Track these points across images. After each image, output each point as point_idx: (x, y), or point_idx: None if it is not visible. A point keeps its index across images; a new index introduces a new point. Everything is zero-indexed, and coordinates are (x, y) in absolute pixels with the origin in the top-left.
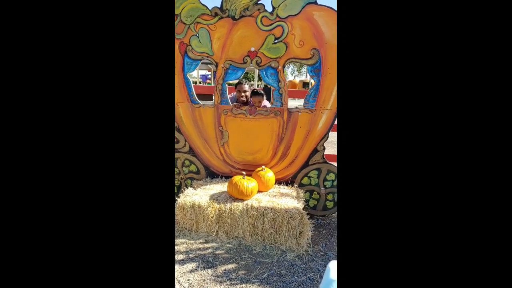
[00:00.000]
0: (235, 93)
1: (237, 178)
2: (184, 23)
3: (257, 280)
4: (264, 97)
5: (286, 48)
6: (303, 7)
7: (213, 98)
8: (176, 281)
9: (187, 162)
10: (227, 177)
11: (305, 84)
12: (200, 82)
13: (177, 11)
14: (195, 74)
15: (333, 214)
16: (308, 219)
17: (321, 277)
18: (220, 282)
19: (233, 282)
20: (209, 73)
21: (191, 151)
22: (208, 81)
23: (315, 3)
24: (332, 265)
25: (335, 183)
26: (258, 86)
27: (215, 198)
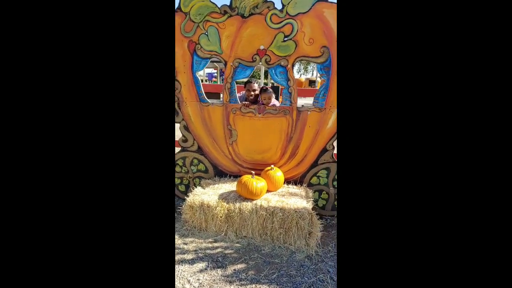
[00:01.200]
0: (244, 92)
1: (246, 178)
2: (193, 21)
3: (267, 281)
4: (273, 95)
5: (296, 46)
6: (313, 5)
7: (221, 97)
8: (186, 281)
9: (195, 161)
10: (236, 176)
11: (311, 82)
12: (206, 81)
13: (186, 10)
14: (201, 73)
15: None
16: (318, 219)
17: (331, 278)
18: (230, 282)
19: (243, 282)
20: (215, 71)
21: (200, 150)
22: (214, 79)
23: (325, 0)
24: None
25: None
26: (265, 85)
27: (224, 197)
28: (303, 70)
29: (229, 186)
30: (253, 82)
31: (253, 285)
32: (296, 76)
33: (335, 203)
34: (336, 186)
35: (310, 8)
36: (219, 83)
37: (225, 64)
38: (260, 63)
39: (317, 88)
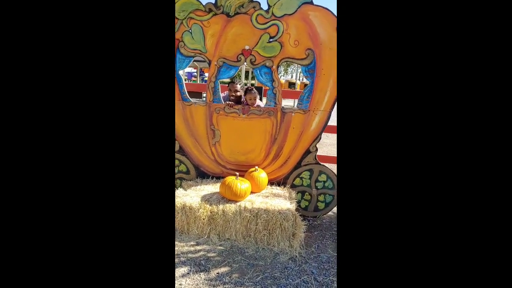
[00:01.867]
0: (228, 91)
1: (230, 179)
2: (176, 18)
3: (251, 284)
4: (258, 96)
5: (281, 47)
6: (299, 7)
7: (203, 96)
8: None
9: (176, 162)
10: (218, 177)
11: (290, 84)
12: (186, 80)
13: None
14: (181, 72)
15: (324, 215)
16: (301, 220)
17: (315, 279)
18: (214, 286)
19: (227, 286)
20: (195, 70)
21: (181, 151)
22: (193, 78)
23: (311, 3)
24: None
25: (326, 184)
26: (245, 85)
27: (207, 199)
28: (283, 72)
29: (212, 188)
30: (236, 82)
31: None
32: None
33: (317, 204)
34: (318, 187)
35: (296, 10)
36: (198, 82)
37: (209, 63)
38: (245, 63)
39: (297, 90)
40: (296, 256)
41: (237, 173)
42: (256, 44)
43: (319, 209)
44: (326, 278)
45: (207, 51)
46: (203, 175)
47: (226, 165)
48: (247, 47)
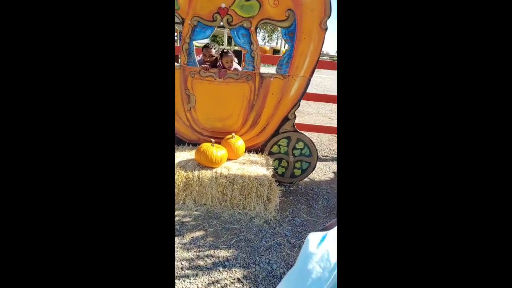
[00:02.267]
0: (202, 55)
1: (205, 146)
2: None
3: (225, 246)
4: (235, 59)
5: (260, 6)
6: None
7: (179, 59)
8: None
9: None
10: (195, 144)
11: (275, 51)
12: None
13: None
14: None
15: (300, 181)
16: (277, 186)
17: (288, 241)
18: (188, 249)
19: (200, 249)
20: (175, 34)
21: None
22: None
23: None
24: (311, 237)
25: (303, 151)
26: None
27: (182, 165)
28: (267, 38)
29: (188, 155)
30: (211, 47)
31: (211, 251)
32: (261, 43)
33: (294, 170)
34: (295, 154)
35: None
36: (178, 44)
37: (183, 22)
38: (221, 23)
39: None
40: (270, 220)
41: (213, 140)
42: (233, 3)
43: (295, 175)
44: (298, 240)
45: (180, 7)
46: (178, 142)
47: (202, 132)
48: (223, 5)
